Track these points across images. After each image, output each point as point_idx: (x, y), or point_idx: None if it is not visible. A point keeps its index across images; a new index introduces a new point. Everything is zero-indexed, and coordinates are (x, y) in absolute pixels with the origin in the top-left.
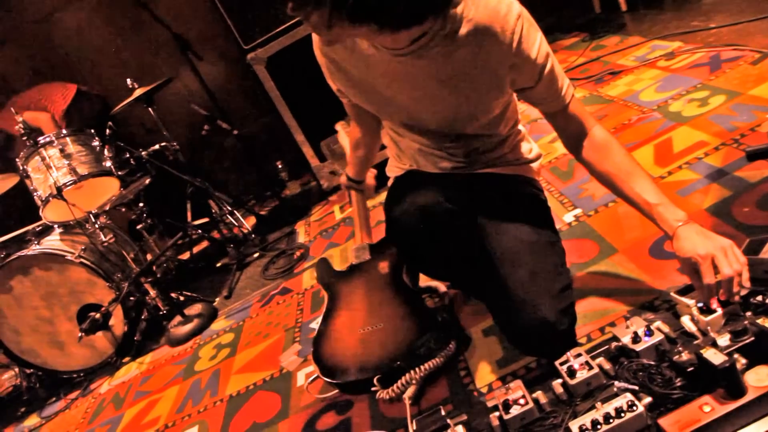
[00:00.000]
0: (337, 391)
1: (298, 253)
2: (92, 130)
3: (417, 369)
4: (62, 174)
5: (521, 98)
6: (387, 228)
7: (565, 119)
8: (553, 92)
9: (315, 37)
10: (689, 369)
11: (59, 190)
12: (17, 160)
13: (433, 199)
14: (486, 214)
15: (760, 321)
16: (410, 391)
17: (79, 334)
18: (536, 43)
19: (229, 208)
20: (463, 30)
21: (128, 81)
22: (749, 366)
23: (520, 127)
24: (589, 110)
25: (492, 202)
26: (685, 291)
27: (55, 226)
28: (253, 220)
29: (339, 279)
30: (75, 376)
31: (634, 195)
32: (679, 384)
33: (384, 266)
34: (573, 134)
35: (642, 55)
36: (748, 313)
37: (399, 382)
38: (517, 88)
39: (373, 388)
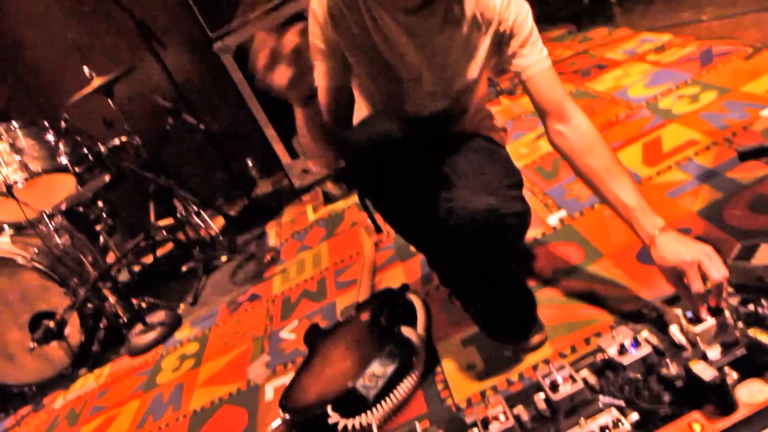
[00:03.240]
0: None
1: (268, 257)
2: (46, 123)
3: (382, 403)
4: (12, 170)
5: (502, 62)
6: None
7: (540, 88)
8: (530, 52)
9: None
10: (678, 383)
11: (9, 188)
12: None
13: (389, 125)
14: (441, 151)
15: (751, 332)
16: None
17: (31, 345)
18: (524, 8)
19: (196, 208)
20: None
21: (85, 70)
22: (740, 380)
23: (489, 108)
24: None
25: (447, 141)
26: (672, 300)
27: (5, 226)
28: (221, 220)
29: (322, 335)
30: (26, 390)
31: (612, 196)
32: (667, 399)
33: (365, 316)
34: (548, 111)
35: (631, 48)
36: (740, 324)
37: (364, 415)
38: (503, 43)
39: (330, 420)
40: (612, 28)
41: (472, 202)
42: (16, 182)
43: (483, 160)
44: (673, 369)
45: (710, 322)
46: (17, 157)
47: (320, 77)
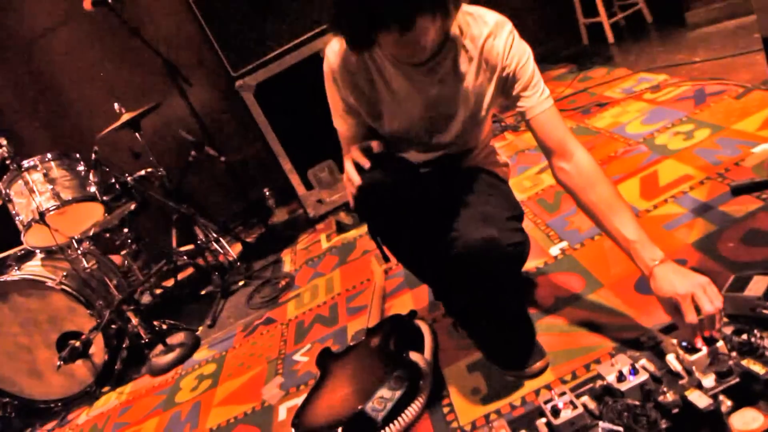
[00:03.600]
0: None
1: (283, 282)
2: (77, 155)
3: (390, 425)
4: (45, 199)
5: (507, 103)
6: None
7: (543, 128)
8: (533, 94)
9: (332, 56)
10: (674, 410)
11: (42, 215)
12: None
13: (394, 168)
14: (446, 185)
15: (744, 362)
16: None
17: (58, 363)
18: (526, 52)
19: (215, 235)
20: (469, 46)
21: (116, 105)
22: (735, 408)
23: (492, 144)
24: None
25: (452, 175)
26: (669, 329)
27: (37, 251)
28: (239, 247)
29: (333, 358)
30: (52, 405)
31: (613, 229)
32: (664, 426)
33: (375, 341)
34: (552, 149)
35: (628, 87)
36: (733, 353)
37: None
38: (507, 86)
39: None
40: (610, 68)
41: (474, 232)
42: (48, 210)
43: (485, 193)
44: (669, 396)
45: (705, 351)
46: (50, 187)
47: (344, 130)
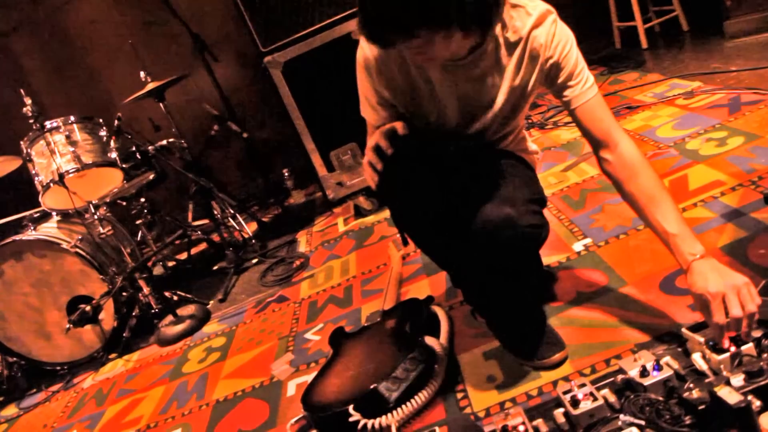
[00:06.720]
0: None
1: (297, 262)
2: (100, 120)
3: (403, 406)
4: (66, 161)
5: (550, 91)
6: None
7: (587, 119)
8: (577, 83)
9: (366, 46)
10: (700, 407)
11: (61, 176)
12: (21, 142)
13: (422, 146)
14: (470, 165)
15: None
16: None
17: (67, 326)
18: (569, 40)
19: (232, 212)
20: (513, 38)
21: (141, 74)
22: (764, 409)
23: (524, 132)
24: None
25: (477, 156)
26: (696, 328)
27: (54, 213)
28: (254, 225)
29: (346, 338)
30: (59, 368)
31: (654, 222)
32: (688, 422)
33: (390, 323)
34: (596, 139)
35: (660, 92)
36: (765, 355)
37: (384, 416)
38: (551, 76)
39: (351, 418)
40: (642, 72)
41: (492, 211)
42: (68, 172)
43: (508, 176)
44: (695, 393)
45: (732, 351)
46: (71, 149)
47: (373, 120)
